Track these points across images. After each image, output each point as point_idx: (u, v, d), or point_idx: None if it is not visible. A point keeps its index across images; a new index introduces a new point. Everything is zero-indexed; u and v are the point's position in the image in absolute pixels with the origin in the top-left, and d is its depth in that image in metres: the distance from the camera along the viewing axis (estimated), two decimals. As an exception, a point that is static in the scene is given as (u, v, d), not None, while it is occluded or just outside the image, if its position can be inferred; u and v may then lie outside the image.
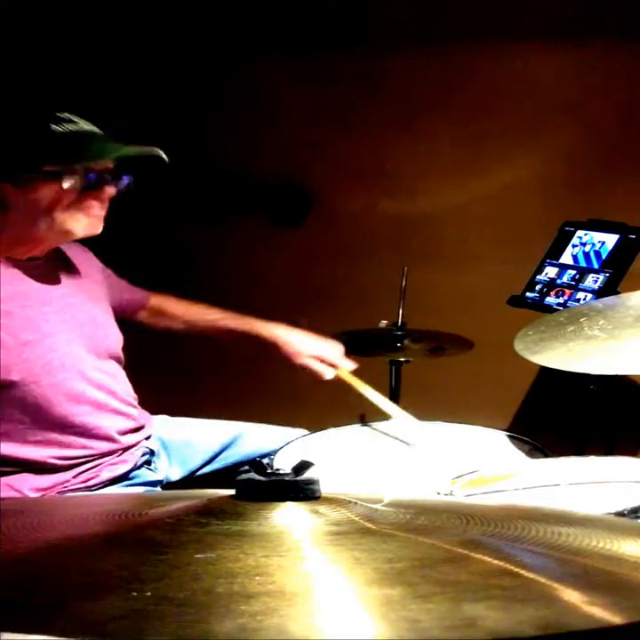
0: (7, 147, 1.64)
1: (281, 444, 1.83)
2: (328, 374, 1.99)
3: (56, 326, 1.73)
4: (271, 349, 2.01)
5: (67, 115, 1.68)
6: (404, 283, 2.37)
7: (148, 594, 0.61)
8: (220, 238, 3.22)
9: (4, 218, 1.65)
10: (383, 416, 1.95)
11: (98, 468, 1.77)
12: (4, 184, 1.63)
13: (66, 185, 1.63)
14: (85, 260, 1.90)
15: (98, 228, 1.71)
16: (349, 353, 2.38)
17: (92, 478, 1.76)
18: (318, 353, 2.00)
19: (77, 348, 1.76)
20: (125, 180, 1.71)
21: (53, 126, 1.65)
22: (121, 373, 1.88)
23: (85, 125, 1.69)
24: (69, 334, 1.75)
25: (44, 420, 1.69)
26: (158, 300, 2.12)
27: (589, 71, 2.81)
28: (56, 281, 1.78)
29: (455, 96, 2.96)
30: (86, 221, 1.69)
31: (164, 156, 1.67)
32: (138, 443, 1.87)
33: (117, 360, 1.87)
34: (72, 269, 1.84)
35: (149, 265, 3.27)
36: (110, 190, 1.69)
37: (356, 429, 1.94)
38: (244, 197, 3.21)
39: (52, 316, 1.73)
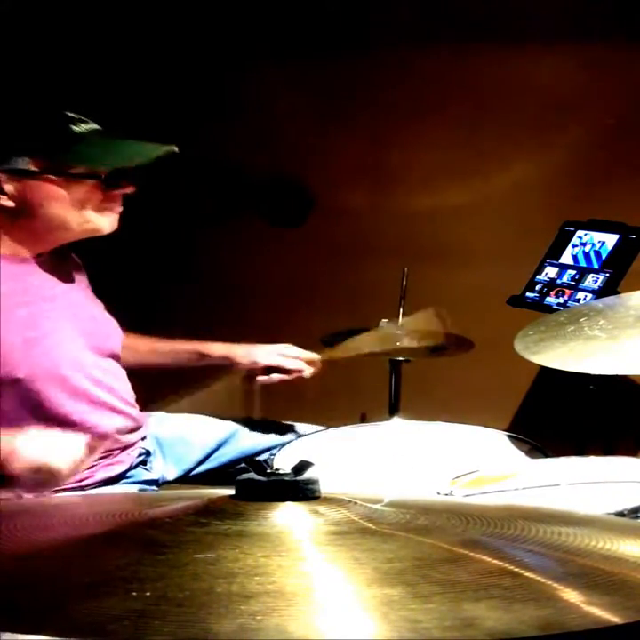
0: (37, 148, 1.64)
1: (277, 441, 1.83)
2: (302, 367, 1.93)
3: (59, 323, 1.73)
4: (225, 364, 1.97)
5: (79, 116, 1.69)
6: (404, 283, 2.37)
7: (148, 594, 0.61)
8: (219, 238, 3.22)
9: (31, 215, 1.66)
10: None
11: (94, 468, 1.77)
12: (39, 182, 1.64)
13: (95, 183, 1.66)
14: (77, 263, 1.90)
15: (116, 224, 1.73)
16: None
17: (87, 478, 1.75)
18: (277, 350, 1.94)
19: (79, 345, 1.76)
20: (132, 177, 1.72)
21: (76, 127, 1.66)
22: (121, 372, 1.89)
23: (95, 126, 1.70)
24: (71, 332, 1.75)
25: (45, 418, 1.69)
26: None
27: (589, 71, 2.81)
28: (59, 278, 1.79)
29: (455, 96, 2.96)
30: (112, 218, 1.72)
31: (176, 149, 1.69)
32: (135, 443, 1.87)
33: (117, 359, 1.88)
34: (71, 268, 1.85)
35: (148, 265, 3.27)
36: (129, 187, 1.71)
37: (356, 429, 1.94)
38: (244, 197, 3.21)
39: (55, 313, 1.74)
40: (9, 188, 1.64)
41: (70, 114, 1.68)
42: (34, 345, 1.68)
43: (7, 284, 1.66)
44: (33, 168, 1.64)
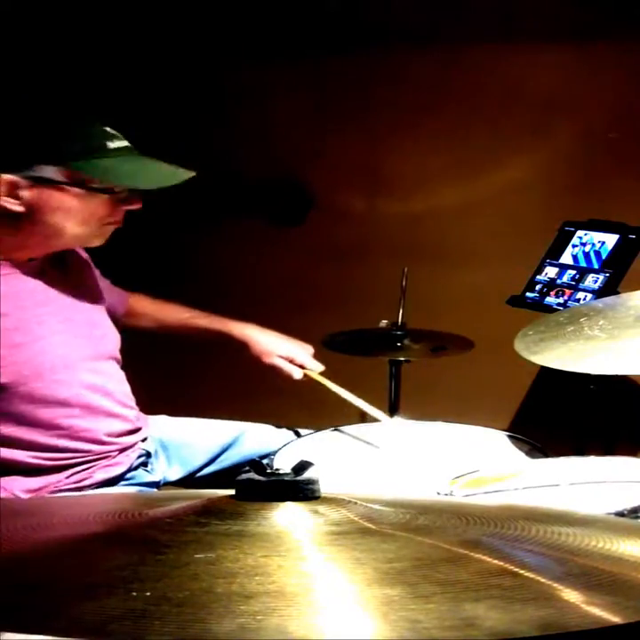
0: (62, 159, 1.65)
1: (281, 445, 1.83)
2: (296, 374, 2.02)
3: (51, 328, 1.72)
4: (242, 348, 2.04)
5: (113, 131, 1.70)
6: (404, 283, 2.37)
7: (148, 594, 0.61)
8: (219, 238, 3.22)
9: (33, 222, 1.66)
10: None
11: (91, 469, 1.76)
12: (54, 191, 1.64)
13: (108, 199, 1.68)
14: (80, 261, 1.90)
15: (107, 239, 1.76)
16: (349, 353, 2.39)
17: (85, 479, 1.75)
18: (287, 353, 2.03)
19: (73, 349, 1.75)
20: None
21: (109, 142, 1.67)
22: (119, 374, 1.87)
23: (125, 143, 1.71)
24: (65, 335, 1.74)
25: (32, 423, 1.68)
26: (132, 299, 2.11)
27: (589, 71, 2.81)
28: (53, 281, 1.78)
29: (453, 96, 2.96)
30: (108, 233, 1.74)
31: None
32: (134, 445, 1.86)
33: (115, 361, 1.87)
34: (68, 269, 1.84)
35: (148, 265, 3.27)
36: (138, 203, 1.72)
37: (356, 429, 1.94)
38: (244, 197, 3.21)
39: (47, 317, 1.72)
40: (25, 194, 1.63)
41: (107, 129, 1.69)
42: (20, 351, 1.66)
43: (0, 289, 1.66)
44: (59, 177, 1.63)
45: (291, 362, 2.02)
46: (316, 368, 2.04)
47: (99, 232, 1.72)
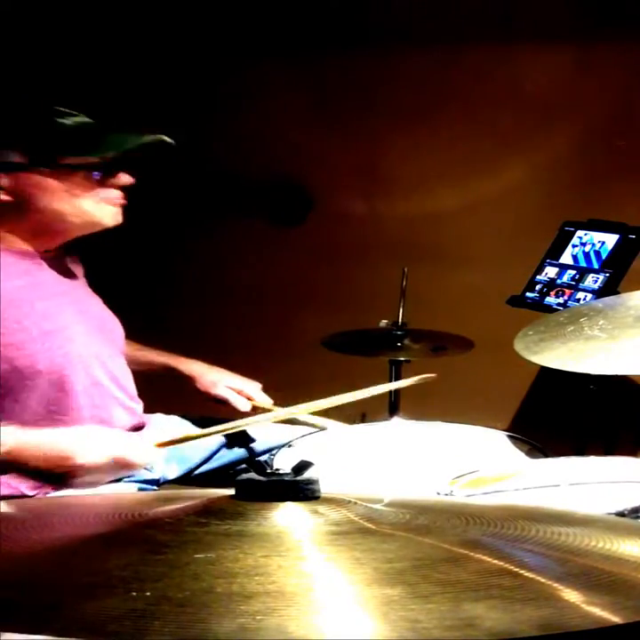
0: (25, 141, 1.66)
1: (277, 442, 1.83)
2: (243, 405, 2.02)
3: (72, 317, 1.75)
4: (189, 382, 2.07)
5: (68, 110, 1.70)
6: (404, 283, 2.37)
7: (148, 594, 0.61)
8: (219, 238, 3.22)
9: (29, 209, 1.67)
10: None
11: None
12: (30, 174, 1.65)
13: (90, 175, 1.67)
14: (76, 261, 1.91)
15: (120, 218, 1.73)
16: (349, 353, 2.39)
17: None
18: (235, 385, 2.05)
19: (91, 340, 1.77)
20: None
21: (64, 120, 1.67)
22: (126, 368, 1.89)
23: (86, 119, 1.72)
24: (84, 326, 1.77)
25: (60, 411, 1.69)
26: None
27: (589, 72, 2.81)
28: (67, 274, 1.81)
29: (454, 97, 2.96)
30: (113, 210, 1.72)
31: (171, 140, 1.70)
32: None
33: (123, 355, 1.89)
34: (75, 265, 1.86)
35: (148, 265, 3.27)
36: (126, 177, 1.71)
37: (356, 429, 1.94)
38: (244, 197, 3.21)
39: (67, 307, 1.75)
40: (4, 182, 1.64)
41: (60, 108, 1.69)
42: (51, 337, 1.68)
43: (23, 278, 1.68)
44: (20, 161, 1.64)
45: (239, 394, 2.04)
46: (264, 401, 2.05)
47: (100, 211, 1.71)
